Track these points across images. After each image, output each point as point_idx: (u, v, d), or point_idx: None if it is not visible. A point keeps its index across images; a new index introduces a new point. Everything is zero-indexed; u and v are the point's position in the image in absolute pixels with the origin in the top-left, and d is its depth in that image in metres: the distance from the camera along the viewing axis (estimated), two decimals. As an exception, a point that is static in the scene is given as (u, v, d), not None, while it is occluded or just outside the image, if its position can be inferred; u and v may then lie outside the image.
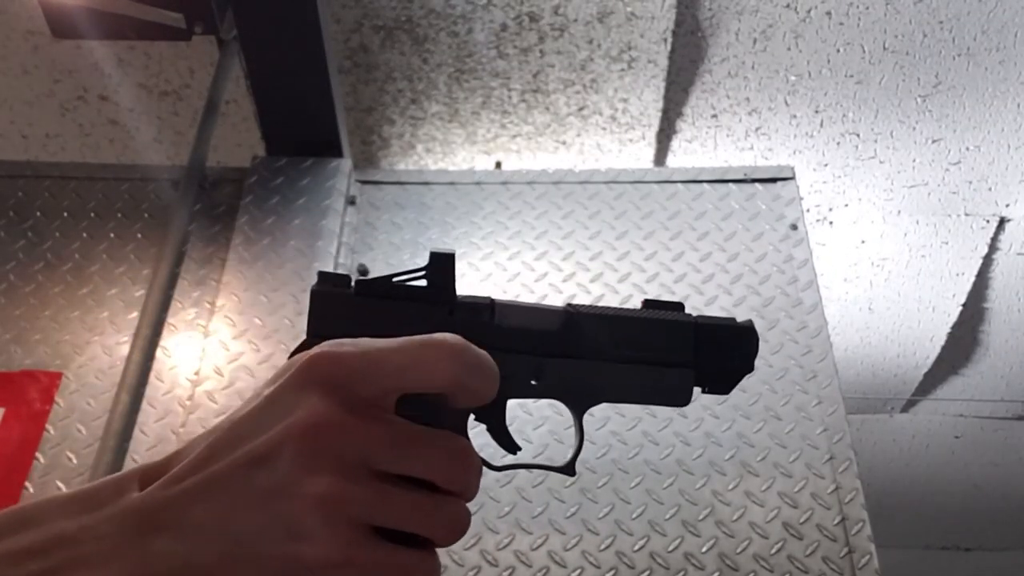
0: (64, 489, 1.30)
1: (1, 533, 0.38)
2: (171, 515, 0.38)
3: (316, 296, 0.45)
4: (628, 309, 0.49)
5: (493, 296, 0.44)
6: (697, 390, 0.48)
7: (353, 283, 0.45)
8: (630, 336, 0.46)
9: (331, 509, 0.38)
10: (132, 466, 1.31)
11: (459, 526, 0.42)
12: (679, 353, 0.47)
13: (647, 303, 0.50)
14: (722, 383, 0.49)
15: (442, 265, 0.42)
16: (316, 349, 0.41)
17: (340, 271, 1.51)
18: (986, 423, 3.06)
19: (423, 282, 0.44)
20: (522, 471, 1.32)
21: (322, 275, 0.45)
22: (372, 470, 0.40)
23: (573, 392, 0.47)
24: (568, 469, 0.47)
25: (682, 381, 0.48)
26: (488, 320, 0.44)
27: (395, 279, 0.44)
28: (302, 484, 0.38)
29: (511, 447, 0.49)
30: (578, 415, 0.48)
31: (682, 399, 0.49)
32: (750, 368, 0.48)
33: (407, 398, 0.41)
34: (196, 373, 1.38)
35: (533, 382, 0.44)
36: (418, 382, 0.41)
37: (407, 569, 0.40)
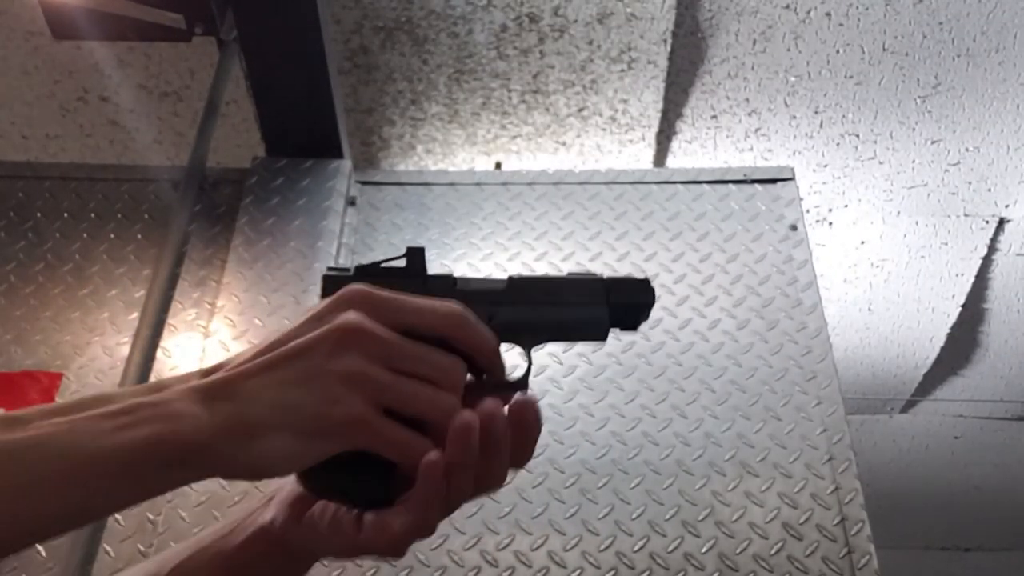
0: (64, 489, 1.30)
1: (89, 405, 0.48)
2: (230, 388, 0.50)
3: (326, 279, 0.60)
4: (556, 275, 0.67)
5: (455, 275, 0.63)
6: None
7: (352, 270, 0.61)
8: (557, 289, 0.63)
9: (356, 382, 0.51)
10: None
11: (451, 412, 0.52)
12: (595, 298, 0.63)
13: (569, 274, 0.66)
14: (629, 320, 0.64)
15: (416, 254, 0.61)
16: (351, 285, 0.54)
17: (340, 272, 1.52)
18: (985, 424, 3.06)
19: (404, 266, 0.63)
20: (522, 471, 1.32)
21: (329, 267, 0.61)
22: (389, 365, 0.52)
23: (520, 332, 0.62)
24: (520, 384, 0.60)
25: (599, 317, 0.63)
26: (451, 286, 0.61)
27: (383, 264, 0.60)
28: (336, 363, 0.51)
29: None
30: (527, 353, 0.62)
31: (601, 333, 0.64)
32: (648, 304, 0.64)
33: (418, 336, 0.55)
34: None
35: (488, 320, 0.59)
36: (426, 320, 0.54)
37: (407, 440, 0.52)
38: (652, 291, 0.65)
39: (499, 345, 0.58)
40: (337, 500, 0.54)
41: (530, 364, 0.61)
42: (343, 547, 0.54)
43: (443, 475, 0.52)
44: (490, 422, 0.53)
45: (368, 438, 0.51)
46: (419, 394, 0.52)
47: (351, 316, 0.52)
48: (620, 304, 0.64)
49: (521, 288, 0.62)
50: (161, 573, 0.58)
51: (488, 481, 0.55)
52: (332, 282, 0.59)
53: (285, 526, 0.56)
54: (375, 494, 0.53)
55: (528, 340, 0.62)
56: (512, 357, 0.60)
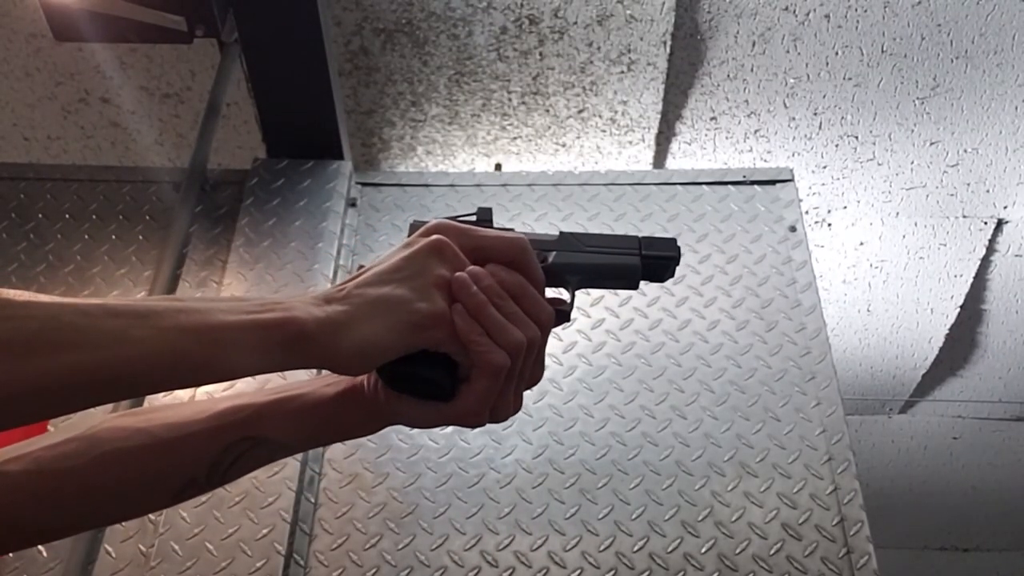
0: (66, 490, 1.30)
1: (223, 308, 0.57)
2: (342, 295, 0.61)
3: (413, 225, 0.70)
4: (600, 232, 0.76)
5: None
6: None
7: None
8: (599, 241, 0.74)
9: (442, 286, 0.62)
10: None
11: (514, 337, 0.62)
12: (629, 251, 0.74)
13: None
14: (657, 273, 0.75)
15: (485, 211, 0.73)
16: (436, 220, 0.67)
17: (340, 273, 1.52)
18: (984, 424, 3.07)
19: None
20: (522, 471, 1.33)
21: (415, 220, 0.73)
22: (470, 273, 0.63)
23: (566, 275, 0.73)
24: (564, 315, 0.70)
25: (634, 266, 0.74)
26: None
27: (458, 218, 0.70)
28: (427, 270, 0.62)
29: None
30: (571, 293, 0.73)
31: (634, 282, 0.74)
32: (675, 259, 0.74)
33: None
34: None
35: (541, 263, 0.69)
36: (497, 244, 0.66)
37: (477, 339, 0.61)
38: (678, 248, 0.75)
39: (545, 283, 0.68)
40: (409, 391, 0.64)
41: (573, 300, 0.72)
42: (433, 414, 0.64)
43: (502, 372, 0.62)
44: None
45: (447, 333, 0.61)
46: (494, 315, 0.62)
47: (440, 239, 0.64)
48: (651, 256, 0.74)
49: (569, 239, 0.73)
50: (241, 414, 0.66)
51: (533, 375, 0.67)
52: (418, 225, 0.69)
53: (379, 390, 0.65)
54: (442, 387, 0.63)
55: (573, 282, 0.73)
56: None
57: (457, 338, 0.61)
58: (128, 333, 0.52)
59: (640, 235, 0.75)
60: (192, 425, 0.65)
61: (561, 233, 0.74)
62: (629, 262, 0.73)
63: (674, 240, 0.75)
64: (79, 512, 0.64)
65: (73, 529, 0.67)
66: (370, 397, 0.65)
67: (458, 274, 0.63)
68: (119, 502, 0.65)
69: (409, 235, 0.68)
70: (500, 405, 0.64)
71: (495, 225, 0.71)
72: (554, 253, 0.73)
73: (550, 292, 0.69)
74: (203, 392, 1.26)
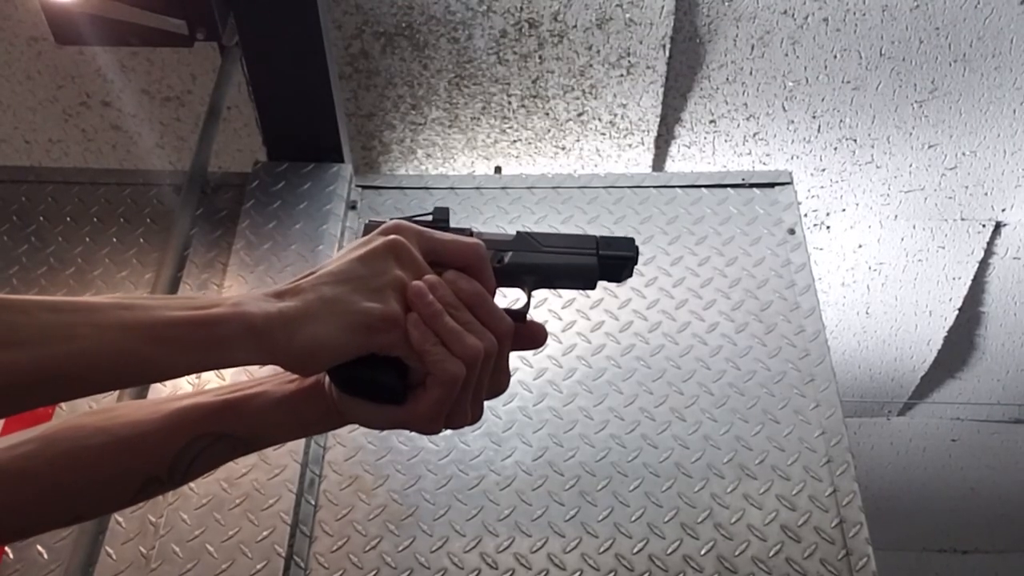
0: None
1: (171, 305, 0.57)
2: (293, 291, 0.60)
3: (368, 225, 0.70)
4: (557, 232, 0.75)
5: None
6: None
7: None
8: (556, 241, 0.74)
9: (396, 288, 0.61)
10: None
11: (471, 346, 0.61)
12: (587, 251, 0.73)
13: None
14: (614, 272, 0.74)
15: (441, 211, 0.72)
16: (392, 220, 0.66)
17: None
18: (982, 426, 3.07)
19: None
20: (521, 473, 1.33)
21: (371, 219, 0.71)
22: (427, 282, 0.62)
23: (522, 275, 0.72)
24: (520, 314, 0.69)
25: (590, 267, 0.73)
26: (469, 235, 0.70)
27: (414, 218, 0.69)
28: (385, 274, 0.61)
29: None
30: (528, 292, 0.73)
31: (591, 282, 0.74)
32: (632, 259, 0.74)
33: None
34: (198, 376, 1.39)
35: (497, 264, 0.70)
36: (451, 248, 0.65)
37: (427, 346, 0.60)
38: (636, 248, 0.75)
39: (502, 283, 0.69)
40: (359, 394, 0.63)
41: (529, 301, 0.72)
42: (386, 417, 0.64)
43: (457, 382, 0.61)
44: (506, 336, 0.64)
45: (399, 336, 0.61)
46: (446, 323, 0.61)
47: (396, 239, 0.63)
48: (608, 256, 0.74)
49: (526, 239, 0.73)
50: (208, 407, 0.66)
51: (496, 385, 0.66)
52: (373, 225, 0.69)
53: (332, 390, 0.64)
54: (392, 391, 0.62)
55: (529, 282, 0.73)
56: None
57: (411, 343, 0.61)
58: (68, 330, 0.52)
59: (598, 235, 0.75)
60: (152, 423, 0.64)
61: (518, 233, 0.74)
62: (586, 262, 0.73)
63: (632, 240, 0.75)
64: (38, 512, 0.63)
65: (33, 530, 0.65)
66: (329, 393, 0.65)
67: (414, 283, 0.62)
68: (78, 501, 0.64)
69: (364, 235, 0.67)
70: (456, 413, 0.63)
71: (451, 226, 0.71)
72: (510, 253, 0.72)
73: (506, 292, 0.70)
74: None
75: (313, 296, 0.59)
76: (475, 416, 0.66)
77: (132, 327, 0.54)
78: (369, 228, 0.68)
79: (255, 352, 0.58)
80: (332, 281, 0.60)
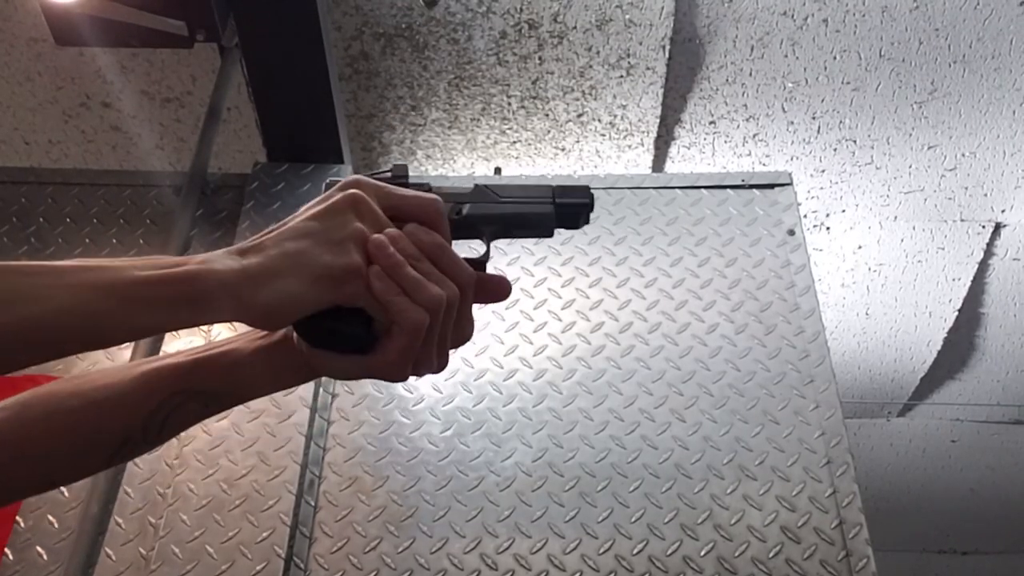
0: (67, 493, 1.31)
1: (138, 265, 0.58)
2: (256, 247, 0.61)
3: (328, 183, 0.69)
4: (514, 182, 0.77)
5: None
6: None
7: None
8: (512, 191, 0.75)
9: (358, 241, 0.62)
10: (131, 472, 1.31)
11: (432, 294, 0.62)
12: (543, 199, 0.75)
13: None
14: (571, 219, 0.76)
15: (400, 168, 0.73)
16: (351, 175, 0.66)
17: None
18: (982, 427, 3.07)
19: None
20: (521, 474, 1.33)
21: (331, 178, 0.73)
22: (387, 235, 0.63)
23: (480, 224, 0.74)
24: (479, 263, 0.71)
25: (547, 214, 0.75)
26: (428, 189, 0.71)
27: (372, 174, 0.70)
28: (346, 227, 0.62)
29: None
30: (487, 243, 0.74)
31: (548, 230, 0.75)
32: (587, 206, 0.76)
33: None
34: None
35: (456, 216, 0.73)
36: (410, 203, 0.66)
37: (391, 296, 0.61)
38: (591, 195, 0.77)
39: (462, 235, 0.72)
40: (325, 346, 0.64)
41: (488, 250, 0.74)
42: (353, 367, 0.64)
43: (421, 329, 0.62)
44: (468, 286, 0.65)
45: (362, 288, 0.61)
46: (406, 272, 0.62)
47: (356, 193, 0.64)
48: (565, 204, 0.76)
49: (483, 190, 0.75)
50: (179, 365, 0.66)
51: (460, 333, 0.67)
52: (333, 183, 0.70)
53: (300, 343, 0.65)
54: (357, 339, 0.63)
55: (488, 232, 0.75)
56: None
57: (374, 294, 0.62)
58: (39, 291, 0.53)
59: (554, 184, 0.77)
60: (124, 384, 0.65)
61: (475, 185, 0.76)
62: (543, 210, 0.75)
63: (587, 188, 0.77)
64: (14, 478, 0.64)
65: (9, 497, 0.66)
66: (298, 347, 0.66)
67: (375, 236, 0.63)
68: (53, 466, 0.65)
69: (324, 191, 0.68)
70: (422, 360, 0.65)
71: (410, 182, 0.72)
72: (468, 205, 0.74)
73: (465, 244, 0.71)
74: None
75: (276, 251, 0.60)
76: (441, 364, 0.67)
77: (102, 287, 0.55)
78: (329, 187, 0.69)
79: (223, 308, 0.59)
80: (294, 236, 0.61)
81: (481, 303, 0.70)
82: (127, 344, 1.44)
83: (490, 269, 0.72)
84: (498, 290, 0.71)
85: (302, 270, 0.60)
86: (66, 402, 0.64)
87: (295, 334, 0.65)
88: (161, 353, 1.16)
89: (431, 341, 0.64)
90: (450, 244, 0.67)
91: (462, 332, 0.68)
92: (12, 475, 0.63)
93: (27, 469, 0.64)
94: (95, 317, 0.55)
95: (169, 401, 0.65)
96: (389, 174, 0.72)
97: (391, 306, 0.61)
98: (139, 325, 0.57)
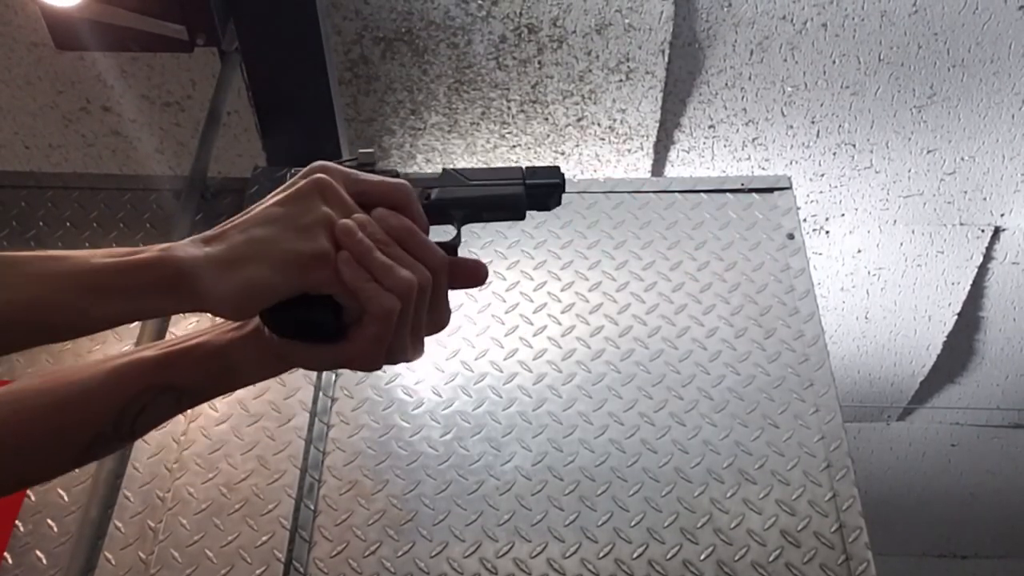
0: (66, 497, 1.31)
1: (99, 255, 0.57)
2: (221, 235, 0.60)
3: (294, 173, 0.69)
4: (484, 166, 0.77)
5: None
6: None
7: None
8: (482, 175, 0.75)
9: (325, 226, 0.60)
10: (131, 476, 1.30)
11: (403, 279, 0.61)
12: (513, 181, 0.74)
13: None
14: (542, 201, 0.75)
15: (367, 155, 0.71)
16: (316, 162, 0.64)
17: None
18: (982, 431, 3.07)
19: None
20: (521, 478, 1.33)
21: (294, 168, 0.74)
22: (355, 220, 0.62)
23: (451, 209, 0.73)
24: (451, 246, 0.69)
25: (518, 196, 0.74)
26: (395, 175, 0.70)
27: (340, 162, 0.69)
28: (312, 212, 0.60)
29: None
30: (458, 227, 0.73)
31: (520, 212, 0.74)
32: (558, 186, 0.75)
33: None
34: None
35: (425, 200, 0.71)
36: (379, 188, 0.64)
37: (359, 281, 0.60)
38: (562, 175, 0.76)
39: (431, 220, 0.69)
40: (293, 335, 0.63)
41: (458, 234, 0.73)
42: (325, 357, 0.63)
43: (392, 316, 0.61)
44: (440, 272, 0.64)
45: (330, 274, 0.60)
46: (375, 258, 0.61)
47: (322, 178, 0.62)
48: (535, 185, 0.75)
49: (452, 175, 0.74)
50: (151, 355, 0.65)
51: (436, 319, 0.66)
52: (299, 171, 0.68)
53: (270, 334, 0.64)
54: (325, 328, 0.62)
55: (459, 216, 0.73)
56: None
57: (343, 281, 0.60)
58: None
59: (524, 166, 0.76)
60: (93, 380, 0.64)
61: (444, 170, 0.75)
62: (513, 191, 0.74)
63: (557, 168, 0.76)
64: None
65: None
66: (269, 340, 0.64)
67: (343, 221, 0.61)
68: (24, 464, 0.64)
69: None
70: (396, 348, 0.63)
71: (376, 170, 0.71)
72: (437, 189, 0.73)
73: (437, 229, 0.70)
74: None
75: (242, 238, 0.59)
76: (416, 352, 0.65)
77: (61, 276, 0.54)
78: (295, 175, 0.67)
79: (184, 297, 0.58)
80: (260, 223, 0.60)
81: (456, 288, 0.68)
82: (127, 348, 1.44)
83: (490, 269, 0.71)
84: (474, 274, 0.69)
85: (268, 256, 0.58)
86: (34, 399, 0.63)
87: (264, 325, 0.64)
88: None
89: (404, 328, 0.62)
90: (427, 228, 0.66)
91: (438, 318, 0.66)
92: None
93: None
94: (54, 308, 0.54)
95: (140, 396, 0.64)
96: (356, 161, 0.70)
97: (361, 292, 0.60)
98: (98, 315, 0.56)
